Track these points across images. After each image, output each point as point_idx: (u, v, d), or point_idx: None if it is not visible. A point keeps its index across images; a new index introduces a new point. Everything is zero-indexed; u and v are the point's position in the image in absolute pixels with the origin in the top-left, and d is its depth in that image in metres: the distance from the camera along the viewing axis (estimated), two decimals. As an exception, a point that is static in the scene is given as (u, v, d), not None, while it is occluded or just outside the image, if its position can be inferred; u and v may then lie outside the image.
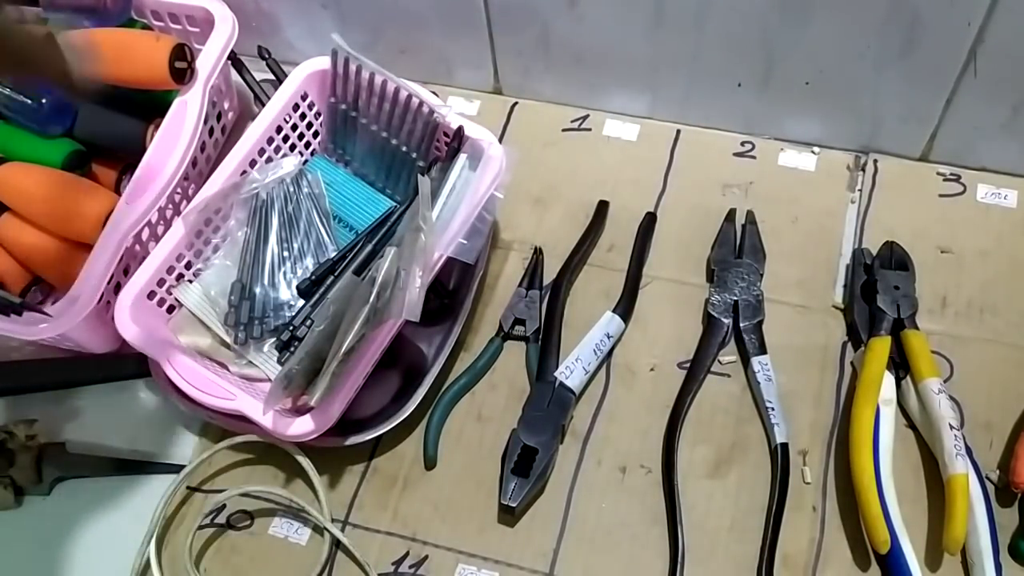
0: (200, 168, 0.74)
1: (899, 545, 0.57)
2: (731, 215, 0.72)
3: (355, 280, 0.62)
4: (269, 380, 0.65)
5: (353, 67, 0.68)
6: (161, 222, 0.70)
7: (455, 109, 0.78)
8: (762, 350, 0.66)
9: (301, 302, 0.67)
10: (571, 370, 0.65)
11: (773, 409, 0.63)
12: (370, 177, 0.74)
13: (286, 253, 0.69)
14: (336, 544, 0.63)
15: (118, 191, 0.71)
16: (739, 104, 0.75)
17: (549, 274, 0.72)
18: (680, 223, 0.74)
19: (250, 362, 0.66)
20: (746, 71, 0.72)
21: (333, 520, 0.63)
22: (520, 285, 0.71)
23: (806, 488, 0.62)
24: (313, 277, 0.67)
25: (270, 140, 0.70)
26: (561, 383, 0.64)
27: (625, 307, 0.69)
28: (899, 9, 0.63)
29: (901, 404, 0.64)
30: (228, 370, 0.66)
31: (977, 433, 0.63)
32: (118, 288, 0.65)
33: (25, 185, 0.68)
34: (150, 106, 0.70)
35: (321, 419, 0.59)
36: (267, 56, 0.78)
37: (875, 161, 0.75)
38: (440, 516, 0.64)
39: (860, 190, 0.74)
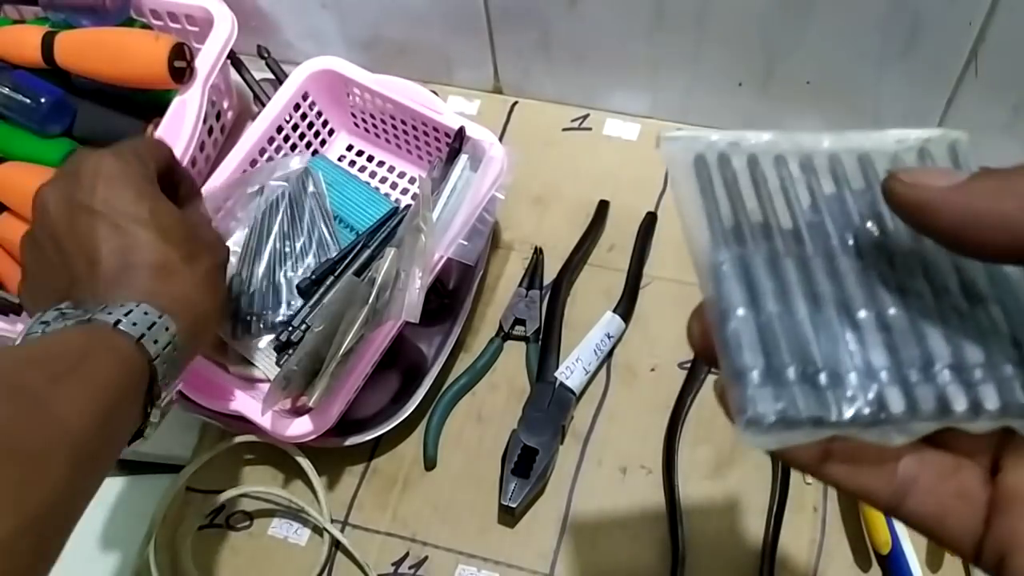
0: (199, 168, 0.74)
1: (900, 546, 0.57)
2: (732, 215, 0.72)
3: (355, 281, 0.62)
4: (268, 380, 0.65)
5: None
6: (160, 222, 0.70)
7: (455, 108, 0.78)
8: (763, 350, 0.66)
9: (301, 301, 0.67)
10: (571, 370, 0.65)
11: (774, 409, 0.63)
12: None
13: (288, 250, 0.69)
14: (335, 545, 0.63)
15: (117, 191, 0.71)
16: (740, 103, 0.75)
17: (549, 274, 0.72)
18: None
19: (249, 362, 0.66)
20: (747, 70, 0.72)
21: (332, 521, 0.63)
22: (520, 285, 0.71)
23: (807, 488, 0.62)
24: (313, 276, 0.67)
25: (271, 140, 0.70)
26: (561, 383, 0.64)
27: (625, 307, 0.69)
28: (900, 8, 0.63)
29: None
30: (227, 370, 0.66)
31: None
32: (117, 288, 0.65)
33: (24, 185, 0.68)
34: (149, 105, 0.70)
35: (320, 420, 0.58)
36: (267, 55, 0.78)
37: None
38: (440, 517, 0.64)
39: (861, 190, 0.74)
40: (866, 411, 0.25)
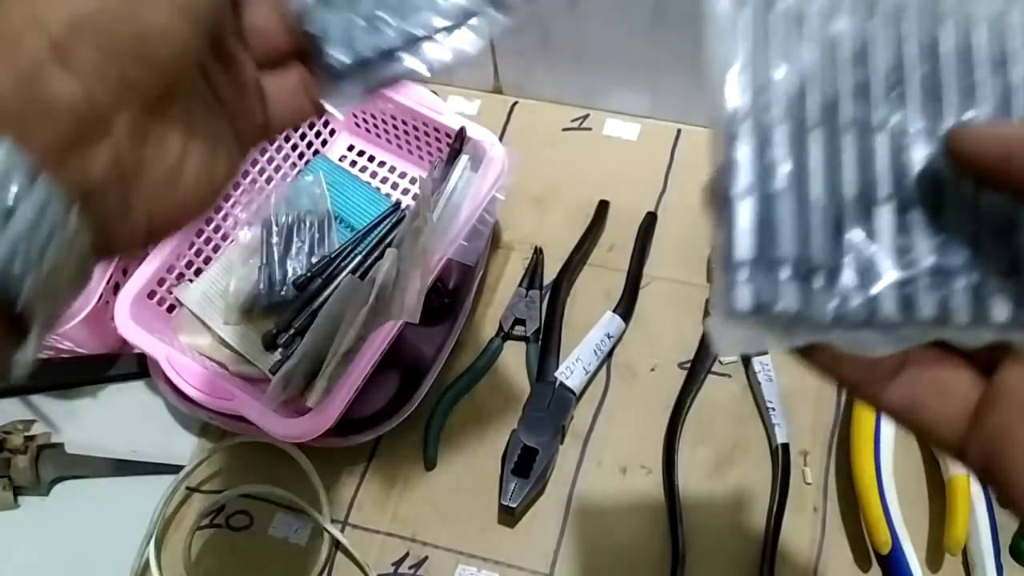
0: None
1: (900, 546, 0.57)
2: (732, 215, 0.72)
3: (355, 281, 0.62)
4: (268, 380, 0.65)
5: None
6: (160, 222, 0.70)
7: (455, 108, 0.78)
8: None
9: (300, 301, 0.67)
10: (571, 370, 0.65)
11: (774, 409, 0.63)
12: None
13: (288, 250, 0.69)
14: (336, 545, 0.63)
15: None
16: (740, 104, 0.75)
17: (549, 274, 0.72)
18: (681, 223, 0.73)
19: (250, 362, 0.66)
20: (747, 71, 0.72)
21: (333, 521, 0.63)
22: (520, 285, 0.71)
23: (807, 489, 0.62)
24: (309, 274, 0.67)
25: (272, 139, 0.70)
26: (561, 383, 0.64)
27: (625, 307, 0.69)
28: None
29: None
30: (227, 370, 0.66)
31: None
32: (117, 288, 0.65)
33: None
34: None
35: (320, 420, 0.58)
36: (267, 55, 0.77)
37: (876, 161, 0.75)
38: (440, 516, 0.64)
39: (861, 190, 0.74)
40: (855, 313, 0.24)
